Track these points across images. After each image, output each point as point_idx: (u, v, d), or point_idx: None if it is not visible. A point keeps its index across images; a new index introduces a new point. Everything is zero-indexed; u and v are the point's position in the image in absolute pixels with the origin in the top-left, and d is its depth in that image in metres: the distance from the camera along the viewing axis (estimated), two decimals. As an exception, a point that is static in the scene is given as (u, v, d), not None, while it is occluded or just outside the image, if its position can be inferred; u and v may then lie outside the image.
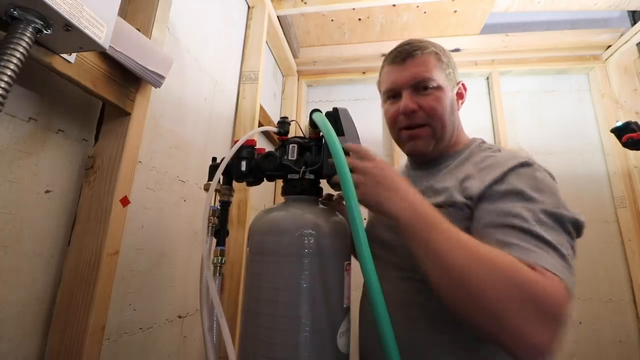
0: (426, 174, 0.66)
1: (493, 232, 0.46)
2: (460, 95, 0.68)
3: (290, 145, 0.61)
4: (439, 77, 0.62)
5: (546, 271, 0.40)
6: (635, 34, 1.66)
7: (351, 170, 0.48)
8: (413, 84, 0.62)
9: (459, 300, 0.41)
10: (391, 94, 0.66)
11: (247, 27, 1.44)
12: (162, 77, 0.69)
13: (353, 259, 0.56)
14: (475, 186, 0.53)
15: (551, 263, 0.41)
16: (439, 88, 0.62)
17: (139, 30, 0.68)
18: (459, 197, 0.54)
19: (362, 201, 0.48)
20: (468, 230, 0.51)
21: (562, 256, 0.42)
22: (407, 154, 0.70)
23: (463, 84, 0.68)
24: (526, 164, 0.52)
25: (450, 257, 0.41)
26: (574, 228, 0.47)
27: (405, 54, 0.63)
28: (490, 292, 0.38)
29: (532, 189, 0.48)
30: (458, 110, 0.67)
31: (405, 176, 0.72)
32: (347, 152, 0.51)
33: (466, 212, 0.53)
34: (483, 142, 0.67)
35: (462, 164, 0.62)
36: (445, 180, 0.60)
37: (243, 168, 0.62)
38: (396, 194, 0.47)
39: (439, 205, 0.54)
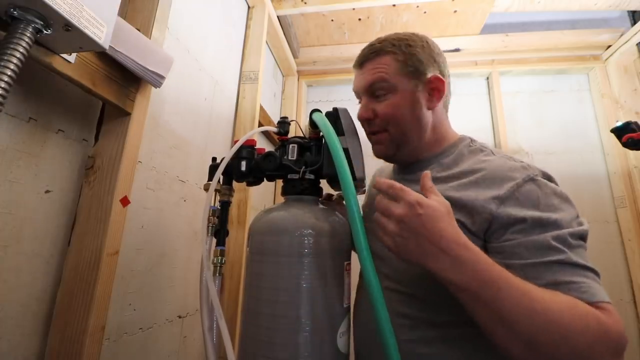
0: (411, 178, 0.61)
1: (539, 273, 0.43)
2: (435, 91, 0.59)
3: (290, 145, 0.61)
4: (395, 79, 0.58)
5: (604, 304, 0.41)
6: (635, 34, 1.66)
7: (383, 214, 0.44)
8: (368, 90, 0.60)
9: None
10: (358, 98, 0.64)
11: (247, 27, 1.44)
12: (162, 77, 0.69)
13: (354, 258, 0.56)
14: (476, 204, 0.49)
15: (600, 291, 0.42)
16: (394, 91, 0.58)
17: (139, 30, 0.68)
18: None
19: (397, 255, 0.43)
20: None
21: (597, 273, 0.44)
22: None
23: (437, 77, 0.59)
24: (530, 180, 0.49)
25: (525, 326, 0.38)
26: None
27: (363, 57, 0.61)
28: (576, 350, 0.38)
29: (549, 210, 0.46)
30: (435, 106, 0.60)
31: (392, 177, 0.67)
32: (377, 189, 0.46)
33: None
34: (472, 141, 0.61)
35: (450, 168, 0.57)
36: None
37: (243, 168, 0.62)
38: (444, 251, 0.40)
39: None
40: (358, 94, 0.63)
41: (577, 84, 1.90)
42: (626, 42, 1.71)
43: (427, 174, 0.47)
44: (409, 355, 0.47)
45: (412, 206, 0.41)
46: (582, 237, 0.46)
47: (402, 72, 0.58)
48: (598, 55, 1.87)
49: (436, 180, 0.55)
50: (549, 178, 0.51)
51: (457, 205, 0.50)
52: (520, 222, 0.46)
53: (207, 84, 1.10)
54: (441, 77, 0.59)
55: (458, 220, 0.48)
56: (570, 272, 0.43)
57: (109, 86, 0.61)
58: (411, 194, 0.42)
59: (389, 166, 0.76)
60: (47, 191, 0.57)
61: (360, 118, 0.61)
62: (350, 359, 0.54)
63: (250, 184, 0.67)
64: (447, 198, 0.49)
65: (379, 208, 0.44)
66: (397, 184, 0.43)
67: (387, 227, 0.43)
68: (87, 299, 0.58)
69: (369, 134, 0.63)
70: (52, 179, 0.58)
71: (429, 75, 0.59)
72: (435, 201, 0.43)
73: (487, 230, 0.48)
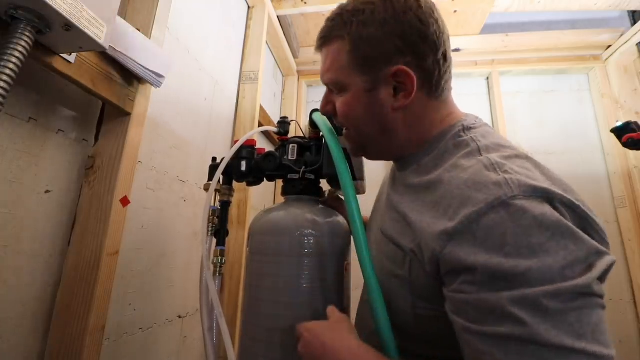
0: (399, 179, 0.51)
1: (486, 346, 0.30)
2: (401, 86, 0.44)
3: (290, 145, 0.61)
4: (343, 74, 0.46)
5: None
6: (635, 34, 1.66)
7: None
8: (324, 83, 0.50)
9: None
10: None
11: (247, 27, 1.44)
12: (162, 77, 0.69)
13: (353, 258, 0.56)
14: (424, 238, 0.37)
15: None
16: (345, 89, 0.46)
17: (139, 30, 0.68)
18: (405, 242, 0.41)
19: None
20: (415, 282, 0.39)
21: (592, 356, 0.27)
22: None
23: (401, 70, 0.42)
24: (499, 205, 0.32)
25: None
26: (602, 276, 0.30)
27: (317, 42, 0.50)
28: None
29: (520, 254, 0.30)
30: (403, 105, 0.44)
31: (389, 178, 0.57)
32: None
33: (410, 257, 0.40)
34: (465, 130, 0.45)
35: (427, 171, 0.44)
36: (402, 201, 0.46)
37: (243, 168, 0.62)
38: None
39: (393, 242, 0.44)
40: None
41: (577, 84, 1.90)
42: (626, 42, 1.71)
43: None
44: None
45: (301, 337, 0.45)
46: (584, 292, 0.29)
47: (351, 65, 0.45)
48: (598, 55, 1.87)
49: (408, 189, 0.46)
50: (546, 196, 0.32)
51: (414, 231, 0.40)
52: (469, 272, 0.32)
53: (207, 84, 1.10)
54: (407, 68, 0.42)
55: (412, 251, 0.39)
56: (531, 356, 0.28)
57: (109, 86, 0.61)
58: (301, 327, 0.46)
59: None
60: (47, 191, 0.57)
61: (321, 113, 0.54)
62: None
63: (250, 184, 0.67)
64: (406, 217, 0.42)
65: None
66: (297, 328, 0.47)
67: None
68: (87, 298, 0.58)
69: None
70: (52, 179, 0.58)
71: (391, 67, 0.43)
72: (321, 322, 0.47)
73: (437, 272, 0.36)
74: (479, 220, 0.32)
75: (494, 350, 0.30)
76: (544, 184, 0.33)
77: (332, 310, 0.49)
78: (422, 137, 0.47)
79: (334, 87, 0.48)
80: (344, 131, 0.52)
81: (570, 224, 0.31)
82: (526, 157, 0.38)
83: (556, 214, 0.31)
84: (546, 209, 0.31)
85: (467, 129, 0.45)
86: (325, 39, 0.48)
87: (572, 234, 0.30)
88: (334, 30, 0.46)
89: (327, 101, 0.50)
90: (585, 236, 0.31)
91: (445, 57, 0.45)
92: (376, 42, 0.43)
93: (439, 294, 0.36)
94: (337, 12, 0.47)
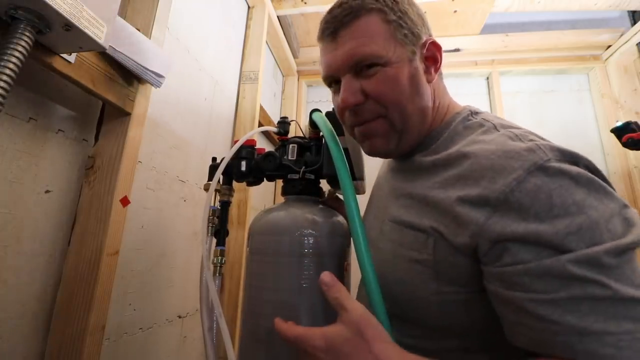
0: (402, 169, 0.51)
1: (556, 313, 0.30)
2: (432, 60, 0.47)
3: (290, 145, 0.61)
4: (386, 47, 0.43)
5: None
6: (635, 34, 1.66)
7: None
8: (351, 67, 0.45)
9: None
10: (332, 81, 0.49)
11: (247, 27, 1.44)
12: (162, 77, 0.69)
13: (353, 258, 0.56)
14: (459, 212, 0.36)
15: None
16: (387, 64, 0.43)
17: (139, 30, 0.68)
18: (426, 222, 0.40)
19: None
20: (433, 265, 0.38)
21: None
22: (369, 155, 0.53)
23: (433, 42, 0.46)
24: (537, 169, 0.33)
25: None
26: None
27: (336, 23, 0.45)
28: None
29: (569, 213, 0.31)
30: (431, 80, 0.47)
31: (388, 172, 0.57)
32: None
33: (434, 238, 0.39)
34: (472, 114, 0.47)
35: (437, 151, 0.45)
36: (414, 185, 0.45)
37: (243, 168, 0.62)
38: None
39: (409, 226, 0.42)
40: (333, 75, 0.47)
41: (577, 84, 1.90)
42: (626, 42, 1.72)
43: (326, 275, 0.39)
44: None
45: (315, 356, 0.35)
46: (631, 246, 0.31)
47: (396, 37, 0.44)
48: (598, 55, 1.87)
49: (418, 172, 0.46)
50: (573, 159, 0.34)
51: (437, 208, 0.39)
52: (520, 241, 0.32)
53: (207, 84, 1.10)
54: (436, 40, 0.47)
55: (436, 231, 0.38)
56: (605, 313, 0.29)
57: (109, 86, 0.61)
58: (312, 340, 0.36)
59: None
60: (47, 191, 0.57)
61: (346, 104, 0.45)
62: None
63: (250, 184, 0.67)
64: (424, 198, 0.41)
65: None
66: (292, 334, 0.37)
67: None
68: (87, 298, 0.58)
69: (355, 126, 0.49)
70: (52, 179, 0.58)
71: (424, 39, 0.46)
72: (340, 329, 0.36)
73: (476, 248, 0.35)
74: (520, 187, 0.33)
75: (567, 317, 0.29)
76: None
77: (349, 304, 0.37)
78: (438, 118, 0.49)
79: (373, 62, 0.44)
80: (370, 125, 0.47)
81: (600, 180, 0.33)
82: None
83: (587, 173, 0.33)
84: (578, 169, 0.33)
85: (475, 113, 0.47)
86: (355, 14, 0.44)
87: (603, 189, 0.33)
88: (367, 4, 0.44)
89: (354, 89, 0.45)
90: (611, 189, 0.33)
91: None
92: (411, 15, 0.46)
93: (470, 272, 0.36)
94: None
